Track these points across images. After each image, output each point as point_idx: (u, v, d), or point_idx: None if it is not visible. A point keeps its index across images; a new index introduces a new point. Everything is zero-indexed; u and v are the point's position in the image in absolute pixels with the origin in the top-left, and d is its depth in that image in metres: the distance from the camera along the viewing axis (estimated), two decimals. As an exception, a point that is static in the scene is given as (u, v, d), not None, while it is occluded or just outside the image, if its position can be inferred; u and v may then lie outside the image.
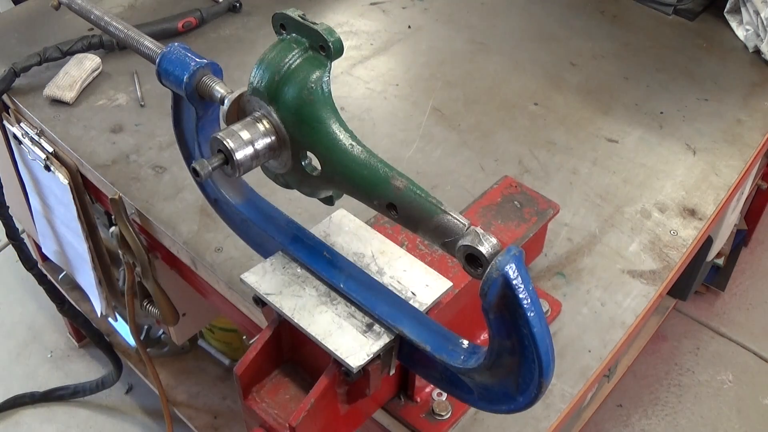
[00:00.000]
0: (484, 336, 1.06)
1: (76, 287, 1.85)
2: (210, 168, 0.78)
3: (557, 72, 1.60)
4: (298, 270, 0.91)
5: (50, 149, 1.39)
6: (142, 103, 1.47)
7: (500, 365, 0.74)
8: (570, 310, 1.13)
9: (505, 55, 1.64)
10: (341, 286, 0.87)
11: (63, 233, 1.57)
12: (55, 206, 1.51)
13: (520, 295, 0.66)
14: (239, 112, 0.83)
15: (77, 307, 1.88)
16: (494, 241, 0.69)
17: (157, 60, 0.86)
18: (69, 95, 1.44)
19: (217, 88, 0.84)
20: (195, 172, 0.78)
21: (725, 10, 1.74)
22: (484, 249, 0.68)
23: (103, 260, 1.54)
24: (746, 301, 2.45)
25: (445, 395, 0.99)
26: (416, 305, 0.87)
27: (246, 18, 1.70)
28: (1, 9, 1.86)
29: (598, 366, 1.06)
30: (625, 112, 1.51)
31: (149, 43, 0.91)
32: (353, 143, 0.78)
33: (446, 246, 0.73)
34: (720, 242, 1.92)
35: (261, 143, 0.80)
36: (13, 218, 1.62)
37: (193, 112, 0.90)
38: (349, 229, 0.96)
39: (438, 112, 1.48)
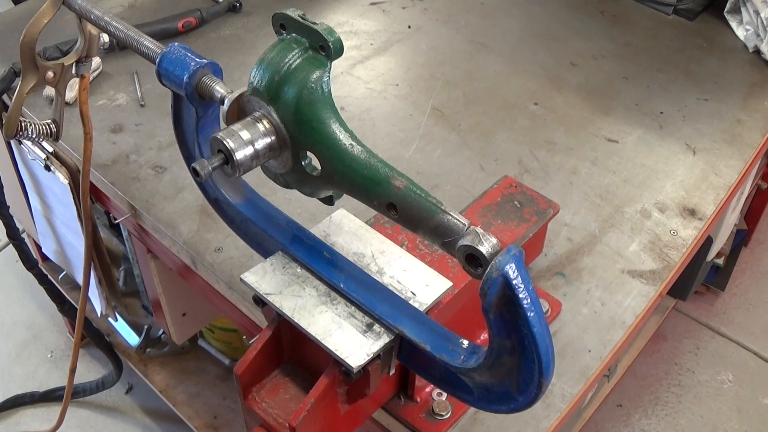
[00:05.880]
0: (484, 336, 1.06)
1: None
2: (210, 168, 0.78)
3: (557, 72, 1.60)
4: (298, 270, 0.91)
5: (50, 149, 1.39)
6: (142, 103, 1.47)
7: (500, 365, 0.74)
8: (570, 310, 1.13)
9: (505, 55, 1.64)
10: (341, 286, 0.87)
11: (63, 233, 1.57)
12: (55, 206, 1.51)
13: (520, 295, 0.66)
14: (239, 112, 0.83)
15: (77, 307, 1.88)
16: (494, 241, 0.69)
17: (157, 60, 0.86)
18: (69, 95, 1.44)
19: (217, 88, 0.84)
20: (195, 172, 0.78)
21: (725, 10, 1.74)
22: (484, 249, 0.68)
23: (103, 260, 1.54)
24: (746, 301, 2.45)
25: (445, 395, 0.99)
26: (416, 305, 0.86)
27: (246, 18, 1.70)
28: (1, 9, 1.86)
29: (598, 366, 1.06)
30: (625, 112, 1.51)
31: (149, 43, 0.91)
32: (353, 143, 0.78)
33: (446, 246, 0.73)
34: (720, 242, 1.92)
35: (261, 143, 0.80)
36: (14, 218, 1.62)
37: (193, 112, 0.90)
38: (349, 229, 0.96)
39: (438, 112, 1.48)
